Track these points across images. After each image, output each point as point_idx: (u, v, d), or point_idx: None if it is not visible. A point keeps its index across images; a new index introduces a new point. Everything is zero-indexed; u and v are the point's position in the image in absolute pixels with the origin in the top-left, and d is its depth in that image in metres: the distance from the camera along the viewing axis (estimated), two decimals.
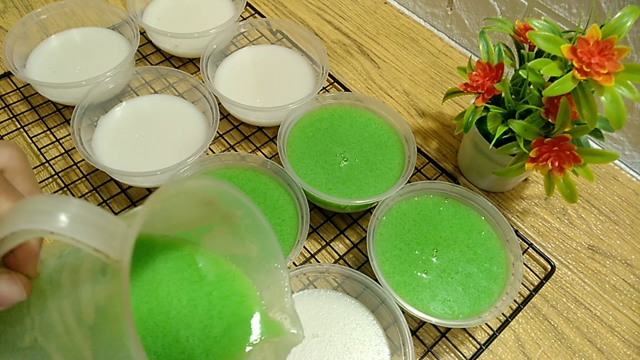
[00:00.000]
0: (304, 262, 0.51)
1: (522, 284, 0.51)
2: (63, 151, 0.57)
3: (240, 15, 0.71)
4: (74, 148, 0.56)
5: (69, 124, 0.56)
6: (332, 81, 0.66)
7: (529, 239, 0.54)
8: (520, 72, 0.46)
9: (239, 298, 0.30)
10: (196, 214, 0.30)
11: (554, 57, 0.42)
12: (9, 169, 0.25)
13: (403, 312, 0.42)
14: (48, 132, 0.58)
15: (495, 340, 0.48)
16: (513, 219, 0.56)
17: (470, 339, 0.48)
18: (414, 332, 0.47)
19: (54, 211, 0.21)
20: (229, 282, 0.30)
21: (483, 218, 0.50)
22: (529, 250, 0.53)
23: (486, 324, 0.48)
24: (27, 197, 0.22)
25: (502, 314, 0.49)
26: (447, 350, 0.47)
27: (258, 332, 0.30)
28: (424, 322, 0.48)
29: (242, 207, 0.30)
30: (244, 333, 0.29)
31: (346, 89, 0.65)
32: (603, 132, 0.45)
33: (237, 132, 0.60)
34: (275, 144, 0.55)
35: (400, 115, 0.54)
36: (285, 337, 0.31)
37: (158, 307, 0.27)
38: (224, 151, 0.58)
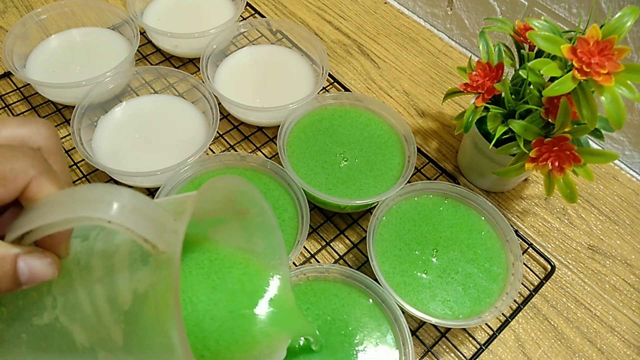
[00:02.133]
0: (304, 262, 0.51)
1: (522, 284, 0.51)
2: (63, 151, 0.57)
3: (240, 15, 0.71)
4: (74, 148, 0.56)
5: (69, 124, 0.56)
6: (332, 81, 0.66)
7: (529, 239, 0.54)
8: (520, 72, 0.46)
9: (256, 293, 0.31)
10: (213, 208, 0.31)
11: (554, 57, 0.42)
12: (45, 149, 0.25)
13: (403, 312, 0.42)
14: None
15: (495, 340, 0.48)
16: (513, 219, 0.56)
17: (470, 339, 0.48)
18: (414, 332, 0.47)
19: (111, 201, 0.21)
20: (249, 277, 0.32)
21: (483, 218, 0.50)
22: (529, 250, 0.53)
23: (486, 324, 0.48)
24: (81, 186, 0.22)
25: (502, 314, 0.49)
26: (447, 350, 0.47)
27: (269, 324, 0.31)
28: (424, 322, 0.48)
29: (257, 206, 0.31)
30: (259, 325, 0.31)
31: (346, 89, 0.65)
32: (603, 132, 0.45)
33: (237, 132, 0.60)
34: (275, 144, 0.55)
35: (400, 115, 0.54)
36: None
37: (185, 298, 0.28)
38: (224, 151, 0.58)
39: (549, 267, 0.52)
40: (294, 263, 0.50)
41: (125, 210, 0.21)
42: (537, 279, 0.51)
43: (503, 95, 0.46)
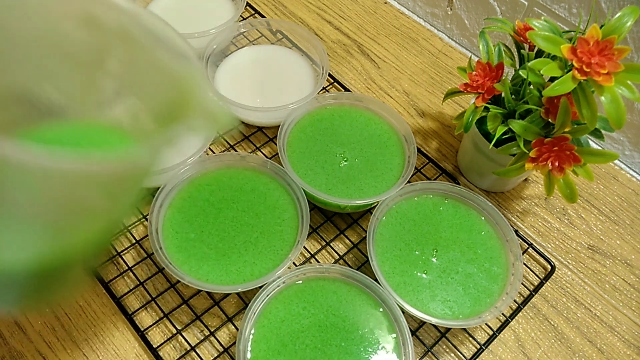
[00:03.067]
0: (304, 262, 0.51)
1: (522, 284, 0.51)
2: None
3: (240, 15, 0.71)
4: None
5: None
6: (332, 81, 0.66)
7: (529, 239, 0.54)
8: (520, 72, 0.46)
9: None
10: (88, 43, 0.27)
11: (554, 57, 0.42)
12: None
13: (403, 312, 0.42)
14: None
15: (495, 340, 0.48)
16: (513, 219, 0.56)
17: (470, 339, 0.48)
18: (414, 332, 0.47)
19: None
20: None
21: (483, 218, 0.50)
22: (529, 250, 0.53)
23: (486, 324, 0.48)
24: None
25: (502, 314, 0.49)
26: (447, 350, 0.47)
27: None
28: (424, 322, 0.48)
29: (124, 13, 0.27)
30: None
31: (346, 89, 0.65)
32: (603, 132, 0.45)
33: (237, 132, 0.60)
34: (275, 144, 0.55)
35: (400, 115, 0.54)
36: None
37: None
38: (224, 151, 0.58)
39: (549, 267, 0.52)
40: (294, 263, 0.50)
41: None
42: (537, 279, 0.51)
43: (503, 95, 0.46)
